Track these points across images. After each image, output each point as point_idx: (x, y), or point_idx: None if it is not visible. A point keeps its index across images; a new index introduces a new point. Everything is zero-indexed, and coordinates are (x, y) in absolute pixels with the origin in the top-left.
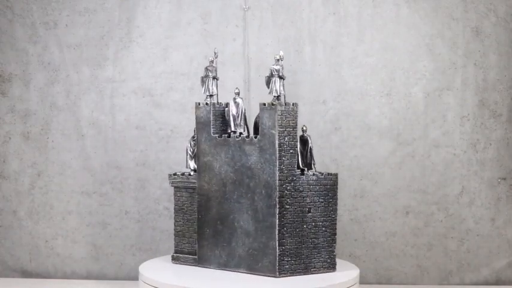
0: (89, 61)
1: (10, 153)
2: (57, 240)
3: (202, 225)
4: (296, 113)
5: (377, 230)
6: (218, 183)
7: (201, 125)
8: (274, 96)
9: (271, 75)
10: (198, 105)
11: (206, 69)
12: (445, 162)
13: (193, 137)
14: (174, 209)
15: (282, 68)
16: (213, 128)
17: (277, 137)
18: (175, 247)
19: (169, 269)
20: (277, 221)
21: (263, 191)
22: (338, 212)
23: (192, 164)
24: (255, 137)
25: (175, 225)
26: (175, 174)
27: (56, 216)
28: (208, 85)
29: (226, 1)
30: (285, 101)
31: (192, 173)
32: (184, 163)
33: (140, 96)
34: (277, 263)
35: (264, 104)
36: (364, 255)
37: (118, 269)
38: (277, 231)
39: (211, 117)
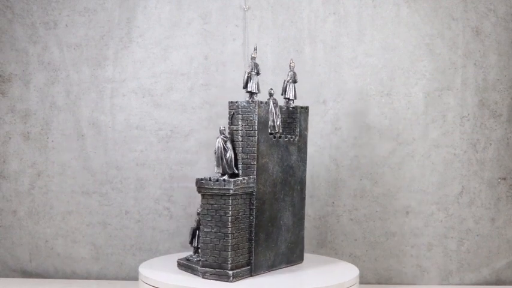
0: (89, 61)
1: (10, 153)
2: (57, 240)
3: (258, 231)
4: None
5: (377, 230)
6: (271, 184)
7: (261, 125)
8: (291, 100)
9: (288, 81)
10: (260, 104)
11: (253, 64)
12: (445, 162)
13: (224, 136)
14: (230, 219)
15: (295, 74)
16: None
17: (308, 137)
18: (231, 263)
19: (169, 269)
20: (305, 212)
21: (298, 187)
22: (338, 212)
23: (226, 168)
24: (295, 138)
25: (231, 238)
26: (234, 181)
27: (56, 216)
28: (256, 82)
29: (226, 1)
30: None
31: (242, 177)
32: (183, 164)
33: (140, 96)
34: (304, 249)
35: (302, 107)
36: (364, 255)
37: (118, 269)
38: (305, 221)
39: (270, 117)
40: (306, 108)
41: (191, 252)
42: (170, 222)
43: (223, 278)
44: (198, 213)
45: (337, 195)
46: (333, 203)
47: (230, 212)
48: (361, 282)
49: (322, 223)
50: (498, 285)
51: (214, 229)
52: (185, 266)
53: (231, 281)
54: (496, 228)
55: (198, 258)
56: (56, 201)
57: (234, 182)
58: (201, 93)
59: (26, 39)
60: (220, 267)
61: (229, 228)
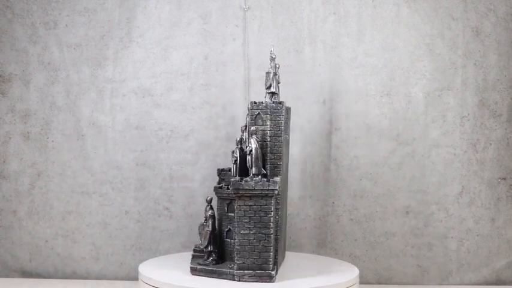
0: (89, 61)
1: (10, 153)
2: (57, 240)
3: (277, 233)
4: None
5: (377, 230)
6: (283, 184)
7: (284, 125)
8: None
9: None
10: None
11: (274, 65)
12: (445, 162)
13: (257, 137)
14: (272, 220)
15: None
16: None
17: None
18: (272, 263)
19: (169, 268)
20: (288, 208)
21: (287, 186)
22: (338, 212)
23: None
24: (288, 137)
25: (273, 239)
26: (278, 181)
27: (56, 216)
28: (276, 83)
29: (226, 1)
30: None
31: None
32: (183, 164)
33: (140, 96)
34: (286, 247)
35: (289, 108)
36: (364, 255)
37: (118, 269)
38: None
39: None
40: (289, 108)
41: (192, 255)
42: (170, 222)
43: (265, 279)
44: (211, 216)
45: (337, 195)
46: (333, 203)
47: (272, 213)
48: (361, 282)
49: (322, 223)
50: (498, 285)
51: (253, 230)
52: (206, 271)
53: (273, 281)
54: (496, 228)
55: (214, 262)
56: (56, 201)
57: (278, 182)
58: (201, 93)
59: (26, 39)
60: (261, 269)
61: (271, 229)
